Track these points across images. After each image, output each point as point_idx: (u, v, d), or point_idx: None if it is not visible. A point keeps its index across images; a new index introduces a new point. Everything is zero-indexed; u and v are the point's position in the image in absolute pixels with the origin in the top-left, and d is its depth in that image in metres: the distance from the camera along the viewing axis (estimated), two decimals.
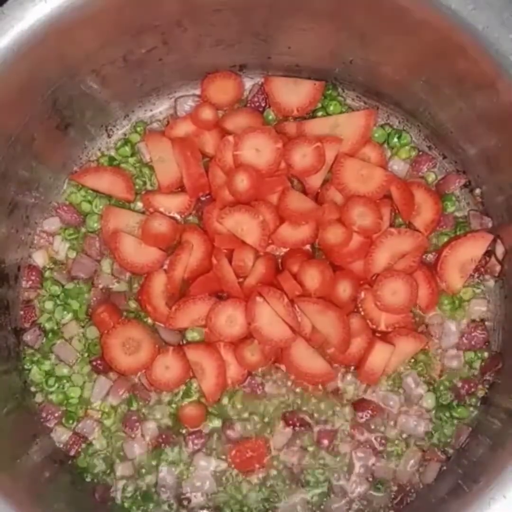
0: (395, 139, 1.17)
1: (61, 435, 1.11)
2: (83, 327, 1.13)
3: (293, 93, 1.15)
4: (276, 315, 1.06)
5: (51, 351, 1.13)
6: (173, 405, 1.12)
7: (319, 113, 1.17)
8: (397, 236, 1.10)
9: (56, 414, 1.11)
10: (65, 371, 1.12)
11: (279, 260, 1.13)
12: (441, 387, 1.12)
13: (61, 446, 1.11)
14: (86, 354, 1.13)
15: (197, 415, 1.11)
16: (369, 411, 1.10)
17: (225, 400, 1.11)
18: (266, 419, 1.11)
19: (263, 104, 1.18)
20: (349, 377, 1.12)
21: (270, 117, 1.17)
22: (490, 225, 1.13)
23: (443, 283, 1.12)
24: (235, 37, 1.09)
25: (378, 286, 1.08)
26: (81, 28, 0.95)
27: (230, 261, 1.09)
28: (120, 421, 1.12)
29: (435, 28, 0.93)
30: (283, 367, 1.11)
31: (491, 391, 1.11)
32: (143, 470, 1.11)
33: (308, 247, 1.13)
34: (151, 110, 1.20)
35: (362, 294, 1.10)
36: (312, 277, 1.07)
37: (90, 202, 1.16)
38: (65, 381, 1.12)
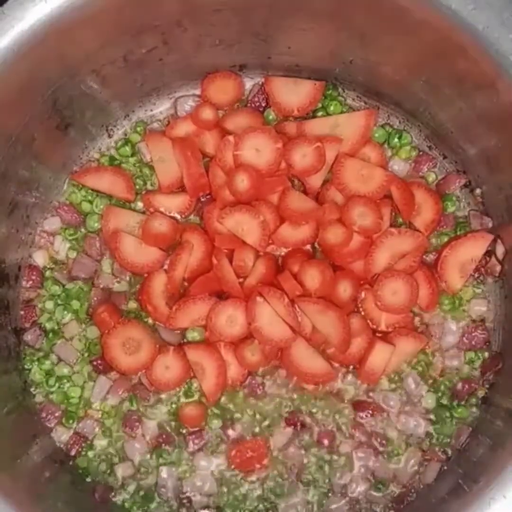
0: (396, 139, 1.17)
1: (61, 435, 1.11)
2: (83, 327, 1.13)
3: (293, 93, 1.15)
4: (277, 315, 1.06)
5: (52, 351, 1.13)
6: (173, 405, 1.12)
7: (319, 113, 1.17)
8: (398, 236, 1.10)
9: (57, 414, 1.11)
10: (65, 371, 1.12)
11: (280, 260, 1.13)
12: (442, 387, 1.11)
13: (61, 446, 1.11)
14: (86, 354, 1.13)
15: (197, 415, 1.11)
16: (369, 411, 1.10)
17: (225, 400, 1.11)
18: (266, 419, 1.11)
19: (263, 104, 1.17)
20: (349, 377, 1.11)
21: (270, 117, 1.17)
22: (490, 225, 1.13)
23: (443, 283, 1.12)
24: (235, 37, 1.09)
25: (379, 286, 1.08)
26: (81, 28, 0.95)
27: (230, 261, 1.09)
28: (121, 421, 1.12)
29: (435, 28, 0.93)
30: (283, 367, 1.11)
31: (491, 391, 1.11)
32: (144, 470, 1.11)
33: (308, 247, 1.13)
34: (151, 110, 1.20)
35: (363, 294, 1.10)
36: (313, 277, 1.07)
37: (90, 202, 1.16)
38: (65, 381, 1.12)
